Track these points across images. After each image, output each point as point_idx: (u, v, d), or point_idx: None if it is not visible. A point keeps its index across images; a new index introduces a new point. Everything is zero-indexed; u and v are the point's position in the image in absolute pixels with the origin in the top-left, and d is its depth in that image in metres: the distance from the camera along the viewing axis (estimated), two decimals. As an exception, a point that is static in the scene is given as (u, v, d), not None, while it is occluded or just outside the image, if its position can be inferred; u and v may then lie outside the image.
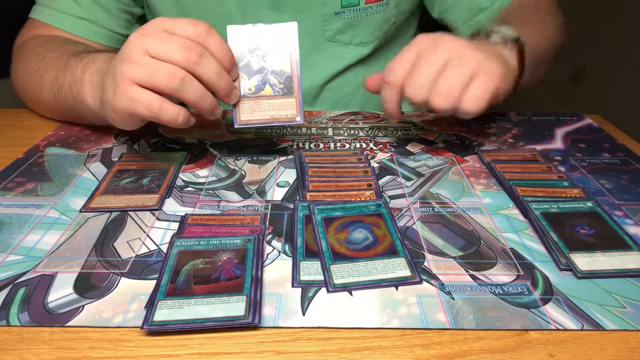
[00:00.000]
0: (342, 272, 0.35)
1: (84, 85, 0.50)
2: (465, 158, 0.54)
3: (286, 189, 0.47)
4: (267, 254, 0.38)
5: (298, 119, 0.47)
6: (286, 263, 0.37)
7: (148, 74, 0.40)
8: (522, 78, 0.54)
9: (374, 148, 0.56)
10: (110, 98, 0.42)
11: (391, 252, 0.37)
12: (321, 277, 0.35)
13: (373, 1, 0.65)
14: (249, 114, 0.46)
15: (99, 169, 0.50)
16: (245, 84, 0.46)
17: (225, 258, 0.36)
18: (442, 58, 0.45)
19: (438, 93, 0.45)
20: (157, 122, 0.42)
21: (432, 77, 0.46)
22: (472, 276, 0.36)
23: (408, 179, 0.49)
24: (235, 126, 0.46)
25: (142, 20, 0.71)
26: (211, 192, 0.47)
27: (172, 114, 0.41)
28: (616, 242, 0.39)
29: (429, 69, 0.46)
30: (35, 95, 0.59)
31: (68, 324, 0.31)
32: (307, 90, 0.70)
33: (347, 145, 0.56)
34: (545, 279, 0.36)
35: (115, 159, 0.52)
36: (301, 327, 0.32)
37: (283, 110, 0.46)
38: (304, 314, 0.32)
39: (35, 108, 0.63)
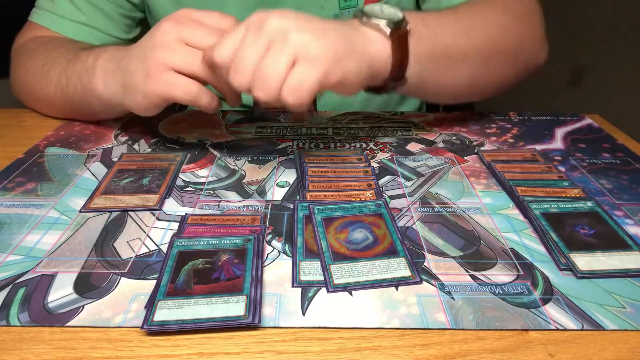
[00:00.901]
0: (342, 272, 0.35)
1: (96, 72, 0.50)
2: (465, 158, 0.54)
3: (286, 189, 0.47)
4: (267, 254, 0.38)
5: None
6: (286, 263, 0.37)
7: (188, 61, 0.42)
8: (404, 69, 0.46)
9: (374, 148, 0.56)
10: (141, 82, 0.44)
11: (391, 252, 0.37)
12: (321, 277, 0.35)
13: (372, 1, 0.65)
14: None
15: (99, 169, 0.50)
16: None
17: (225, 258, 0.36)
18: (266, 38, 0.40)
19: (258, 82, 0.39)
20: (193, 105, 0.45)
21: (254, 61, 0.39)
22: (472, 276, 0.36)
23: (408, 179, 0.49)
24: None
25: (142, 23, 0.71)
26: (211, 192, 0.47)
27: (208, 99, 0.45)
28: (616, 242, 0.39)
29: (250, 52, 0.40)
30: (40, 92, 0.59)
31: (68, 324, 0.31)
32: None
33: (347, 145, 0.56)
34: (545, 279, 0.36)
35: (115, 159, 0.52)
36: (301, 327, 0.32)
37: None
38: (304, 314, 0.32)
39: (39, 106, 0.63)
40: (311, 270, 0.36)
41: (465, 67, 0.52)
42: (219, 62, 0.41)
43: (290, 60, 0.39)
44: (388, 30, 0.44)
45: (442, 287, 0.35)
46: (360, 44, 0.43)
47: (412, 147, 0.56)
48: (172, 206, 0.44)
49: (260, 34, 0.40)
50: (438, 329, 0.31)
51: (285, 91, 0.39)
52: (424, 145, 0.57)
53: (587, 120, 0.63)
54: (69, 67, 0.54)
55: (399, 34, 0.45)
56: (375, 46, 0.44)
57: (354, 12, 0.49)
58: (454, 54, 0.50)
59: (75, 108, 0.58)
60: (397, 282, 0.35)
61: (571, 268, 0.36)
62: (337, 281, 0.35)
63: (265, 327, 0.32)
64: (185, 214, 0.42)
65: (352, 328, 0.32)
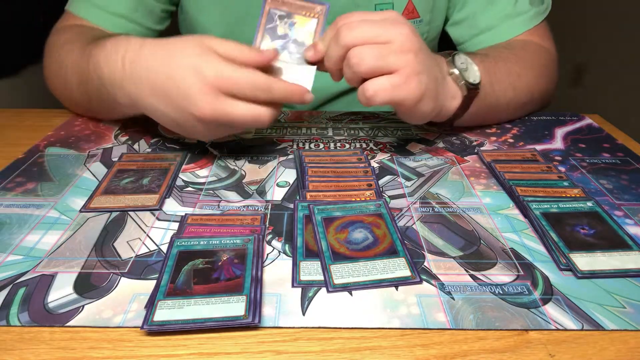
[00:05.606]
0: (342, 272, 0.35)
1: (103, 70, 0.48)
2: (465, 158, 0.54)
3: (286, 189, 0.47)
4: (267, 254, 0.38)
5: (308, 89, 0.47)
6: (286, 263, 0.37)
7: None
8: (455, 119, 0.54)
9: (374, 148, 0.56)
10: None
11: (391, 252, 0.37)
12: (321, 277, 0.35)
13: (409, 17, 0.66)
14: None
15: (99, 169, 0.50)
16: (267, 45, 0.48)
17: (225, 258, 0.36)
18: (389, 36, 0.43)
19: (356, 58, 0.42)
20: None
21: (367, 39, 0.43)
22: (472, 276, 0.36)
23: (408, 179, 0.49)
24: None
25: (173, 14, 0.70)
26: (211, 192, 0.47)
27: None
28: (616, 242, 0.39)
29: (369, 32, 0.43)
30: (67, 96, 0.60)
31: (68, 324, 0.31)
32: (324, 92, 0.70)
33: (347, 145, 0.56)
34: (545, 279, 0.36)
35: (115, 159, 0.52)
36: (301, 327, 0.32)
37: (295, 78, 0.47)
38: (304, 314, 0.32)
39: (69, 107, 0.63)
40: (311, 270, 0.36)
41: (505, 113, 0.61)
42: (347, 41, 0.43)
43: (395, 67, 0.43)
44: (465, 91, 0.50)
45: (442, 287, 0.35)
46: (442, 93, 0.49)
47: (412, 147, 0.56)
48: (172, 206, 0.44)
49: (390, 29, 0.43)
50: (438, 329, 0.31)
51: (370, 84, 0.43)
52: (424, 145, 0.57)
53: (587, 120, 0.63)
54: (84, 73, 0.52)
55: (471, 96, 0.51)
56: (452, 101, 0.51)
57: (447, 52, 0.52)
58: (501, 105, 0.58)
59: (96, 106, 0.56)
60: (397, 282, 0.35)
61: (571, 268, 0.36)
62: (337, 281, 0.35)
63: (265, 327, 0.32)
64: (185, 214, 0.42)
65: (352, 328, 0.32)
